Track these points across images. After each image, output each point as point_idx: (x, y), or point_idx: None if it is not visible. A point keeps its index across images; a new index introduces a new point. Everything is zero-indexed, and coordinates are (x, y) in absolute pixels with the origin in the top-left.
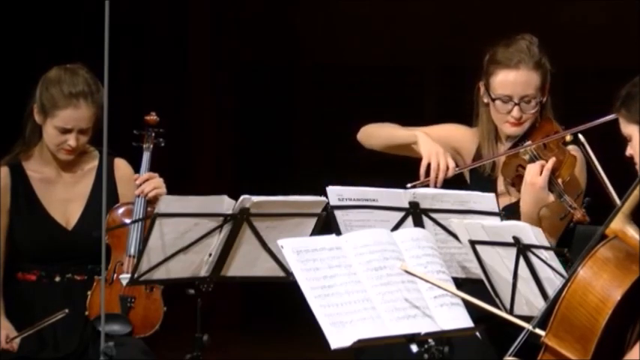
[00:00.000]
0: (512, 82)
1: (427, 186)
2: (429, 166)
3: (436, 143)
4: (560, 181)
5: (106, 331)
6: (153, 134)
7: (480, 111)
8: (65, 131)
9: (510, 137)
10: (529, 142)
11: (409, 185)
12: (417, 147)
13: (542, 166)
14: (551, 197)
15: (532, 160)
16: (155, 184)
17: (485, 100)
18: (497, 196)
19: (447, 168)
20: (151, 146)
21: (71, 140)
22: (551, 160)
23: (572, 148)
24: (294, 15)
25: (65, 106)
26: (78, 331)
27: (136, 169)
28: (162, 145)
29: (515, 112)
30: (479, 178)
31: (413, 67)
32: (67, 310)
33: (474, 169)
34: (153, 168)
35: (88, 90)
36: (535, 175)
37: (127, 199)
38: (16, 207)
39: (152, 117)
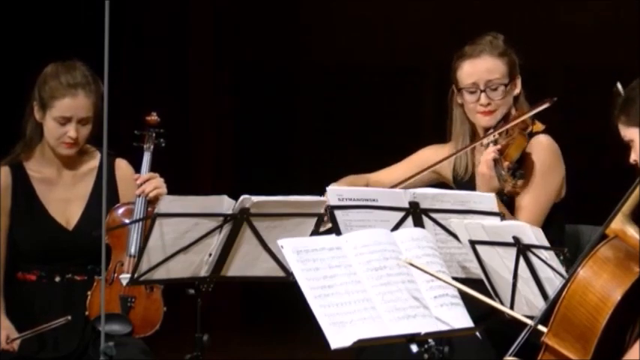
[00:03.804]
0: (476, 69)
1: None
2: None
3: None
4: (506, 162)
5: (106, 331)
6: (154, 134)
7: (454, 114)
8: (64, 121)
9: (487, 130)
10: (490, 132)
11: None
12: None
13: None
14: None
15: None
16: (156, 184)
17: (460, 101)
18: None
19: None
20: (152, 146)
21: (71, 131)
22: (493, 148)
23: (542, 136)
24: (295, 15)
25: (63, 95)
26: (78, 331)
27: (137, 169)
28: (163, 145)
29: (483, 98)
30: (460, 184)
31: (413, 67)
32: (69, 317)
33: (455, 175)
34: (153, 168)
35: (86, 81)
36: (482, 165)
37: (128, 199)
38: (17, 207)
39: (153, 117)
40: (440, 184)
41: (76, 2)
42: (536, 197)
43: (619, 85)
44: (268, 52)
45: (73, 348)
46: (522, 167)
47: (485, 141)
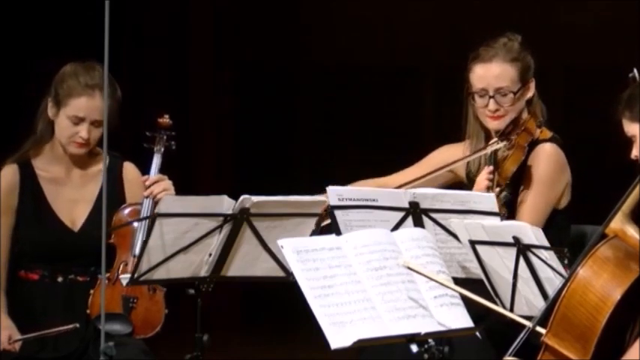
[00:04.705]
0: (486, 74)
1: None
2: None
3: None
4: (500, 176)
5: (106, 331)
6: (165, 137)
7: (468, 113)
8: (78, 121)
9: (497, 133)
10: (494, 140)
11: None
12: None
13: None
14: None
15: (490, 157)
16: (165, 186)
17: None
18: None
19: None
20: (162, 149)
21: (83, 132)
22: (486, 175)
23: (547, 145)
24: (295, 15)
25: (80, 94)
26: (79, 332)
27: (141, 170)
28: (174, 148)
29: (491, 104)
30: (474, 180)
31: (413, 67)
32: (77, 325)
33: (468, 172)
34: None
35: (103, 83)
36: (475, 189)
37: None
38: (23, 206)
39: (165, 119)
40: (454, 183)
41: (76, 2)
42: (535, 204)
43: (635, 72)
44: (268, 52)
45: (73, 348)
46: (521, 179)
47: (489, 150)
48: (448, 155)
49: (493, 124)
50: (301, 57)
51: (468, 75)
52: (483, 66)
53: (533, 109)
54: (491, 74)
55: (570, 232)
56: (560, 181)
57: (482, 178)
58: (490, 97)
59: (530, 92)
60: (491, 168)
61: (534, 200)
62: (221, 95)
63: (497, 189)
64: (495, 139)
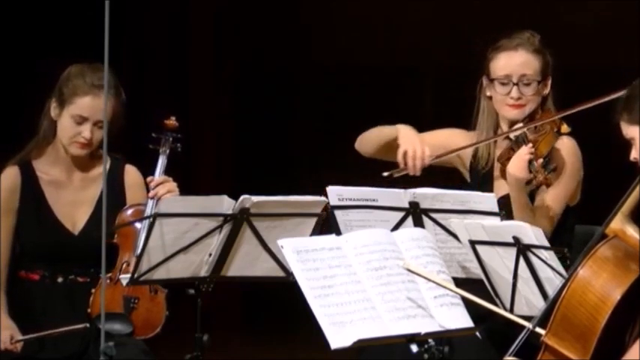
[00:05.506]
0: (511, 62)
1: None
2: (405, 155)
3: (415, 135)
4: (537, 155)
5: (107, 330)
6: (171, 139)
7: (481, 106)
8: (81, 120)
9: (512, 124)
10: (519, 125)
11: (386, 174)
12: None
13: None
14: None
15: (518, 142)
16: (169, 187)
17: (488, 93)
18: (492, 183)
19: (423, 156)
20: (168, 150)
21: (86, 132)
22: (528, 149)
23: (565, 138)
24: (295, 15)
25: (85, 93)
26: (80, 333)
27: (140, 170)
28: (179, 150)
29: (514, 92)
30: (477, 175)
31: (413, 67)
32: (87, 325)
33: (474, 164)
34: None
35: (109, 84)
36: (518, 168)
37: None
38: (24, 208)
39: (171, 121)
40: (454, 182)
41: (76, 2)
42: (557, 194)
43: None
44: (268, 52)
45: (74, 348)
46: (552, 162)
47: (512, 135)
48: (461, 139)
49: (513, 114)
50: (301, 57)
51: (488, 65)
52: (508, 54)
53: (547, 107)
54: (516, 61)
55: (574, 233)
56: (579, 175)
57: (525, 152)
58: (514, 84)
59: (547, 89)
60: (530, 145)
61: (556, 190)
62: (221, 95)
63: (541, 160)
64: (520, 124)
